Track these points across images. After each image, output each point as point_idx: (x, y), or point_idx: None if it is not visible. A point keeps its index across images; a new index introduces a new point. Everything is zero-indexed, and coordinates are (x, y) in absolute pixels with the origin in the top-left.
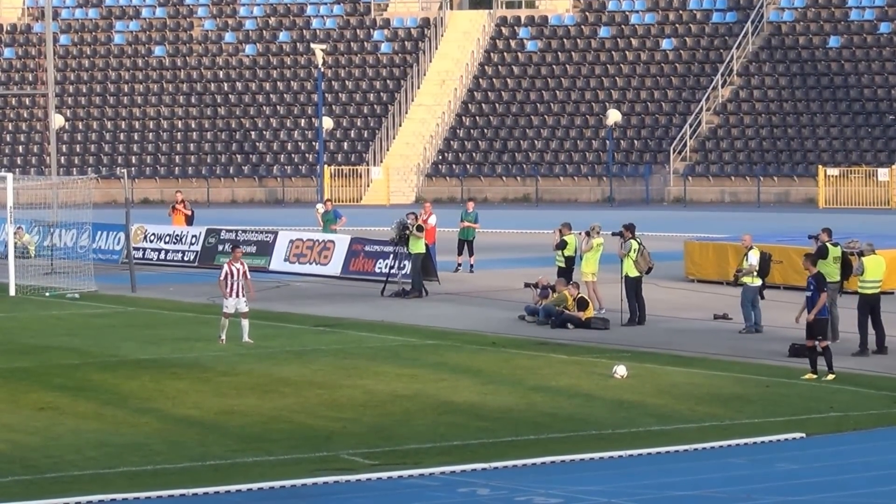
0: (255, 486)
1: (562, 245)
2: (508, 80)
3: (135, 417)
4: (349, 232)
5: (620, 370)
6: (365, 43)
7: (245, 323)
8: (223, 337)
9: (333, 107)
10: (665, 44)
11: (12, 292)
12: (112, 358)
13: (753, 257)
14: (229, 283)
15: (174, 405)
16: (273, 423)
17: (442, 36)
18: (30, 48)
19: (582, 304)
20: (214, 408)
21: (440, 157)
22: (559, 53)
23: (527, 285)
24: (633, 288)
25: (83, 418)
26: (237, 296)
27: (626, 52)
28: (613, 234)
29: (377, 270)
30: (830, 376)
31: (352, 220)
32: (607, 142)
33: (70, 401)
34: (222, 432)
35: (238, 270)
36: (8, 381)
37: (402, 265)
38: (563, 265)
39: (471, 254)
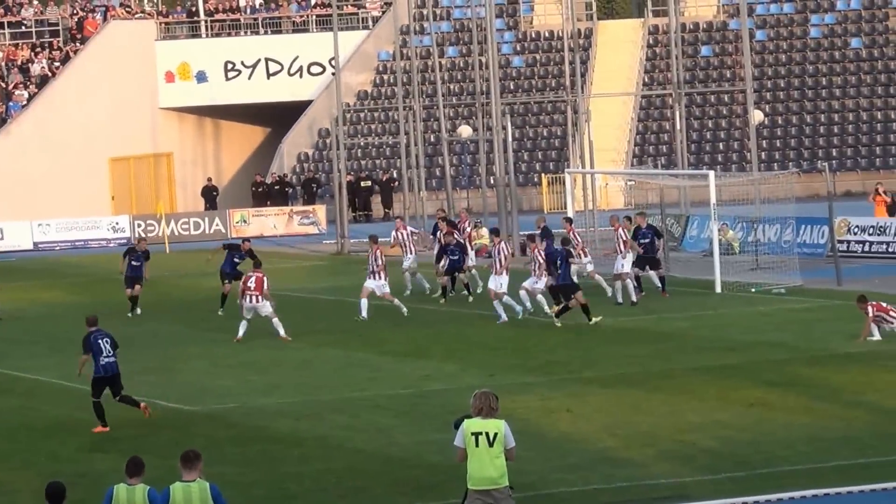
0: None
1: None
2: None
3: (845, 411)
4: None
5: None
6: None
7: None
8: None
9: None
10: None
11: (718, 289)
12: (821, 352)
13: None
14: None
15: (884, 398)
16: None
17: None
18: (726, 45)
19: None
20: None
21: None
22: None
23: None
24: None
25: (793, 413)
26: None
27: None
28: None
29: None
30: None
31: None
32: None
33: (780, 396)
34: None
35: None
36: (717, 378)
37: None
38: None
39: None
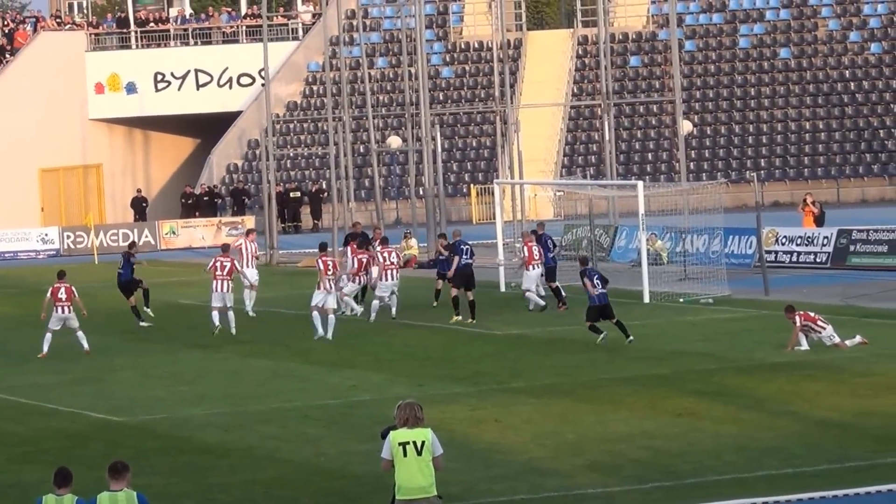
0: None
1: None
2: None
3: (773, 420)
4: None
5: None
6: None
7: None
8: None
9: None
10: None
11: (646, 299)
12: (748, 362)
13: None
14: None
15: (811, 407)
16: None
17: None
18: (656, 55)
19: None
20: (852, 409)
21: None
22: None
23: None
24: None
25: (721, 423)
26: None
27: None
28: None
29: None
30: None
31: None
32: None
33: (707, 406)
34: (861, 433)
35: None
36: (645, 388)
37: None
38: None
39: None
